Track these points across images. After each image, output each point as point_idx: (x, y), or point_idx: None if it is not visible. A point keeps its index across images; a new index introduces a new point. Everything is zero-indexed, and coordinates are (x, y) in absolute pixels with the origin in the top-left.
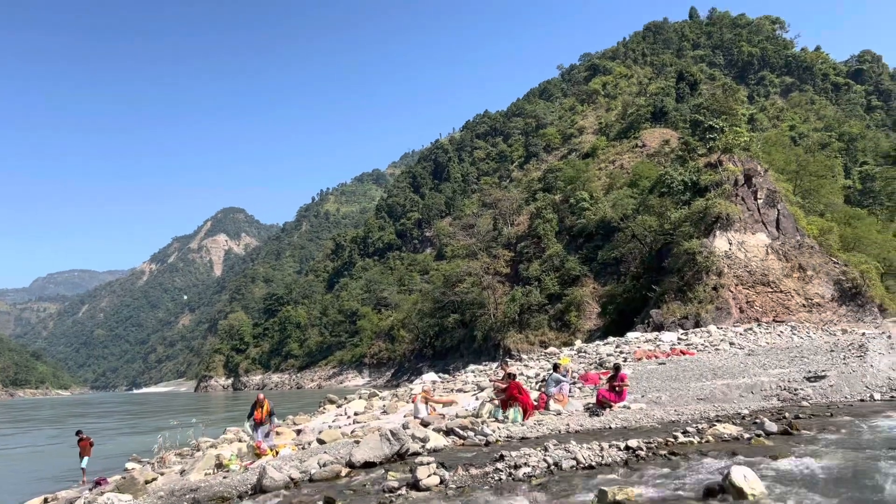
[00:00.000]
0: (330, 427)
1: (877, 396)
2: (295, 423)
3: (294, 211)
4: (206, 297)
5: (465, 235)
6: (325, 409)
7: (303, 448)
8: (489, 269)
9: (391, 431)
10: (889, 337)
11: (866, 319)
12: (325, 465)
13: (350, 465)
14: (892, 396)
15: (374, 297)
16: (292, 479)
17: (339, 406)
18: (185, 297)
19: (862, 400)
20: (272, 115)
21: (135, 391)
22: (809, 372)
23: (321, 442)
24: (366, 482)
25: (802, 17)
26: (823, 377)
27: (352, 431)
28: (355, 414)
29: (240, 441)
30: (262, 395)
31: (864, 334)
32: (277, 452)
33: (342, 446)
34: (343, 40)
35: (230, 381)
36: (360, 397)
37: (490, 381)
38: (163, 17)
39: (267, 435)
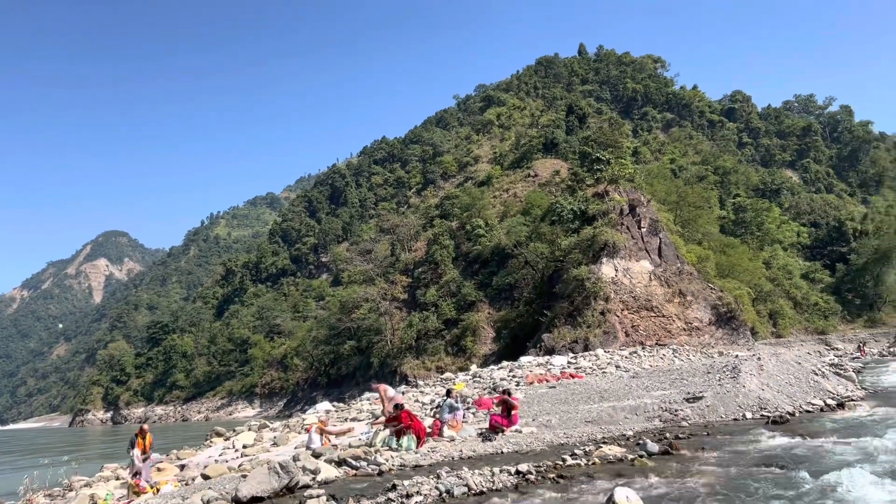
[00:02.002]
0: (216, 461)
1: (748, 415)
2: (178, 458)
3: (182, 235)
4: (84, 325)
5: (362, 261)
6: (211, 442)
7: (186, 484)
8: (386, 294)
9: (280, 464)
10: (759, 359)
11: (740, 342)
12: (209, 501)
13: (236, 500)
14: (762, 415)
15: (267, 324)
16: None
17: (226, 439)
18: (61, 326)
19: (735, 419)
20: (159, 133)
21: (0, 427)
22: (688, 393)
23: (206, 477)
24: None
25: (681, 57)
26: (701, 398)
27: (239, 465)
28: (244, 447)
29: (117, 479)
30: (146, 426)
31: (737, 356)
32: (158, 490)
33: (228, 481)
34: (234, 60)
35: (109, 414)
36: (249, 429)
37: (384, 411)
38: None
39: (138, 473)
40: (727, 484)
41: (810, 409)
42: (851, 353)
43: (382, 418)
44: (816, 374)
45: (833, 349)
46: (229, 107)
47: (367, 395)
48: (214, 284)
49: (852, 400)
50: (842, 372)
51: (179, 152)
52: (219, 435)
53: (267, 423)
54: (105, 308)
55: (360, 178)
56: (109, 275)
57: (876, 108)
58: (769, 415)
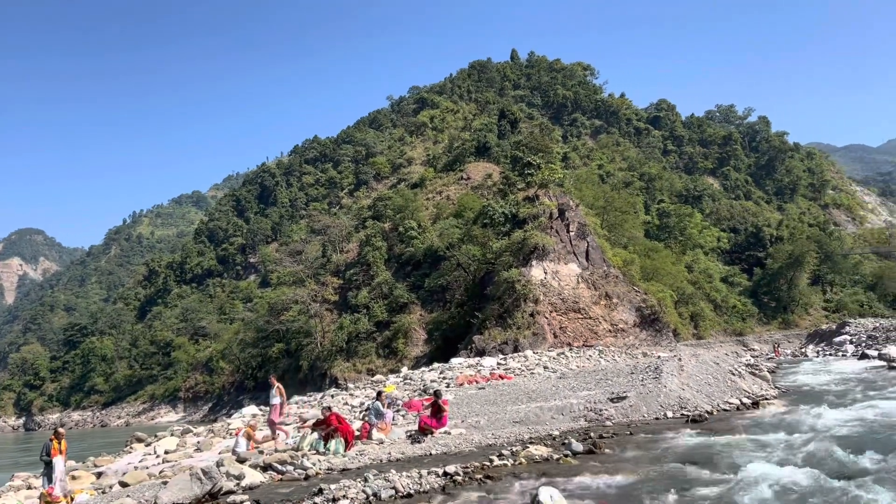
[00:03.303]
0: (136, 468)
1: (669, 414)
2: (96, 465)
3: (102, 233)
4: None
5: (292, 262)
6: (131, 448)
7: (103, 492)
8: (317, 296)
9: (203, 470)
10: (679, 360)
11: (663, 343)
12: None
13: None
14: (682, 414)
15: (192, 326)
16: None
17: (147, 444)
18: None
19: (657, 418)
20: (78, 127)
21: None
22: (613, 393)
23: (124, 485)
24: None
25: (609, 65)
26: (625, 398)
27: (160, 472)
28: (165, 452)
29: (29, 488)
30: (62, 429)
31: (659, 357)
32: (72, 499)
33: (148, 488)
34: (158, 57)
35: (21, 420)
36: (171, 434)
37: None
38: None
39: (50, 480)
40: (647, 481)
41: (727, 408)
42: (767, 354)
43: (310, 422)
44: (733, 374)
45: (750, 350)
46: (154, 103)
47: (296, 398)
48: (136, 285)
49: (766, 398)
50: (757, 372)
51: (101, 149)
52: (139, 440)
53: (191, 427)
54: (18, 309)
55: (290, 177)
56: (23, 274)
57: (791, 120)
58: (689, 413)
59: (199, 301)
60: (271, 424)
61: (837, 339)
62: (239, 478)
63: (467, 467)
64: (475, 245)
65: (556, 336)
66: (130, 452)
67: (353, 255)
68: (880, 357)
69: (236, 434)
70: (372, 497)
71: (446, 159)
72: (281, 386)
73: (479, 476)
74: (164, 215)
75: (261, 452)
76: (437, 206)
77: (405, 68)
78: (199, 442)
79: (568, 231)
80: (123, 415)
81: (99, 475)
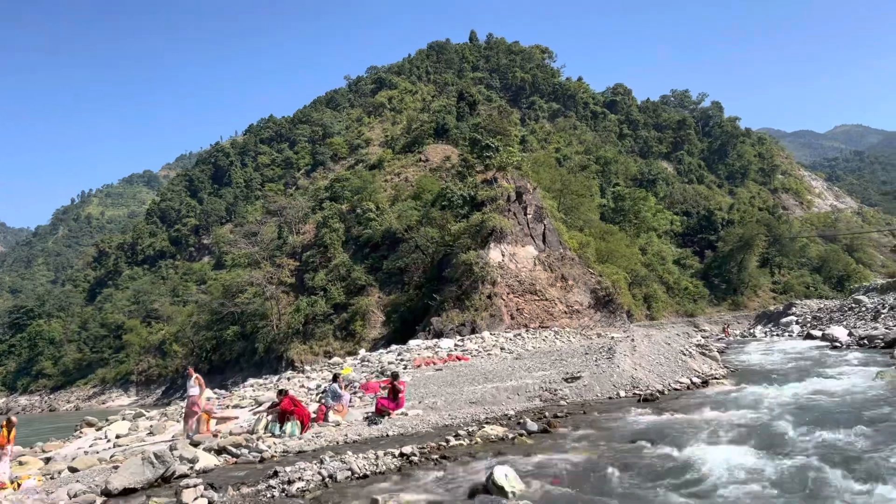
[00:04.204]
0: (86, 453)
1: (622, 394)
2: (44, 451)
3: (49, 213)
4: None
5: (247, 243)
6: (82, 433)
7: (51, 478)
8: (273, 278)
9: (155, 454)
10: (633, 340)
11: (617, 324)
12: (76, 495)
13: (107, 493)
14: (634, 393)
15: (144, 308)
16: None
17: (98, 429)
18: None
19: (610, 397)
20: (21, 102)
21: None
22: (567, 373)
23: (73, 470)
24: None
25: (566, 48)
26: (579, 378)
27: (111, 456)
28: (117, 437)
29: None
30: (14, 418)
31: (613, 338)
32: (19, 485)
33: (98, 473)
34: (107, 34)
35: None
36: (123, 418)
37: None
38: None
39: None
40: (601, 458)
41: (678, 388)
42: (717, 335)
43: (265, 405)
44: (684, 354)
45: (700, 331)
46: (104, 80)
47: (250, 380)
48: (86, 267)
49: (716, 378)
50: (707, 352)
51: (48, 126)
52: (90, 425)
53: (143, 411)
54: None
55: (245, 157)
56: None
57: (743, 106)
58: (641, 393)
59: (152, 283)
60: (189, 416)
61: (784, 320)
62: (193, 461)
63: (424, 448)
64: (433, 227)
65: (512, 318)
66: (80, 437)
67: (309, 237)
68: (824, 337)
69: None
70: (328, 479)
71: (405, 141)
72: (200, 377)
73: (435, 456)
74: (114, 195)
75: (214, 436)
76: (395, 188)
77: (363, 48)
78: (151, 426)
79: (525, 214)
80: (73, 399)
81: (47, 460)
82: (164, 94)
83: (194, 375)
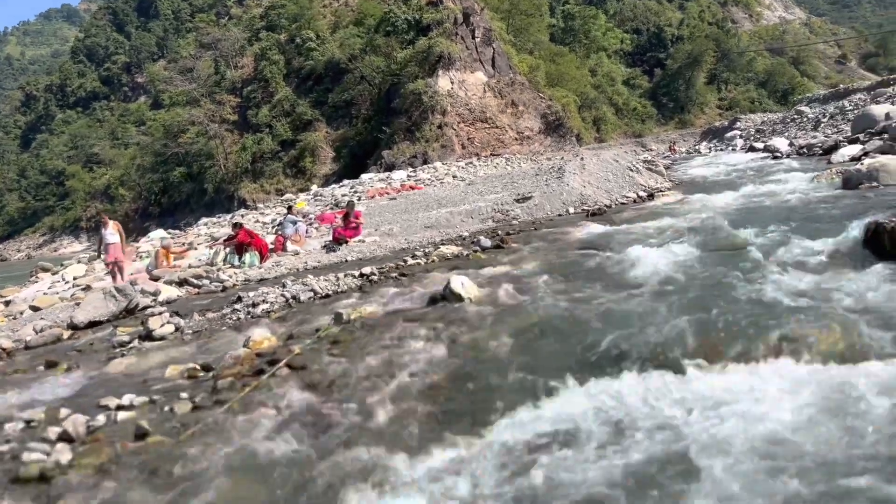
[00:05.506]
0: (46, 294)
1: (571, 210)
2: (2, 296)
3: None
4: None
5: (183, 80)
6: (38, 278)
7: (14, 318)
8: (214, 116)
9: (116, 288)
10: (582, 159)
11: (567, 148)
12: (42, 330)
13: (73, 326)
14: (583, 209)
15: (83, 153)
16: (4, 349)
17: (54, 273)
18: None
19: (560, 215)
20: None
21: None
22: (519, 195)
23: (35, 309)
24: (92, 341)
25: None
26: (530, 198)
27: (72, 295)
28: (75, 279)
29: None
30: None
31: (562, 159)
32: None
33: (61, 311)
34: None
35: None
36: (79, 262)
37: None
38: None
39: None
40: (550, 265)
41: (625, 202)
42: (663, 153)
43: (221, 239)
44: (631, 170)
45: (648, 150)
46: None
47: (203, 220)
48: (14, 112)
49: (661, 191)
50: (653, 167)
51: None
52: (45, 270)
53: (102, 254)
54: None
55: None
56: None
57: None
58: (589, 209)
59: (88, 126)
60: (114, 265)
61: (728, 135)
62: (155, 294)
63: (383, 268)
64: (378, 56)
65: (464, 147)
66: (37, 282)
67: (249, 71)
68: (766, 149)
69: (156, 256)
70: (291, 300)
71: None
72: (118, 224)
73: (394, 275)
74: (32, 33)
75: (174, 268)
76: (335, 14)
77: None
78: None
79: (473, 37)
80: (23, 248)
81: (7, 303)
82: None
83: (111, 223)
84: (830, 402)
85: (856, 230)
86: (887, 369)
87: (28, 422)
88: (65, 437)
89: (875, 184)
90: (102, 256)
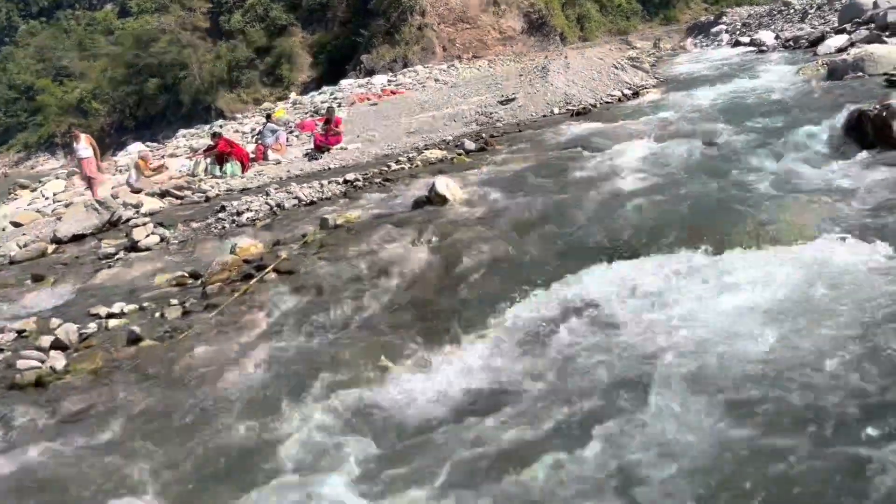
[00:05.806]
0: (26, 210)
1: (556, 111)
2: None
3: None
4: None
5: None
6: (17, 195)
7: None
8: (186, 23)
9: (98, 201)
10: (566, 58)
11: (550, 48)
12: (25, 245)
13: (57, 240)
14: (567, 109)
15: (52, 66)
16: None
17: (33, 190)
18: None
19: (544, 115)
20: None
21: None
22: (502, 96)
23: (17, 224)
24: (78, 254)
25: None
26: (514, 99)
27: (53, 210)
28: (55, 194)
29: None
30: None
31: (546, 58)
32: None
33: (44, 225)
34: None
35: None
36: (57, 178)
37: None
38: None
39: None
40: (535, 165)
41: (609, 101)
42: (648, 50)
43: (201, 150)
44: (616, 68)
45: (633, 48)
46: None
47: (181, 132)
48: None
49: (646, 88)
50: (638, 64)
51: None
52: (23, 187)
53: (77, 169)
54: None
55: None
56: None
57: None
58: (574, 108)
59: (55, 37)
60: (90, 180)
61: (714, 30)
62: (137, 206)
63: (367, 174)
64: None
65: (445, 49)
66: (16, 199)
67: None
68: (752, 43)
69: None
70: (276, 207)
71: None
72: (91, 137)
73: (378, 180)
74: None
75: (155, 182)
76: None
77: None
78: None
79: None
80: None
81: None
82: None
83: (83, 137)
84: (809, 277)
85: (839, 119)
86: (870, 247)
87: (20, 332)
88: (58, 345)
89: (860, 73)
90: (78, 171)
